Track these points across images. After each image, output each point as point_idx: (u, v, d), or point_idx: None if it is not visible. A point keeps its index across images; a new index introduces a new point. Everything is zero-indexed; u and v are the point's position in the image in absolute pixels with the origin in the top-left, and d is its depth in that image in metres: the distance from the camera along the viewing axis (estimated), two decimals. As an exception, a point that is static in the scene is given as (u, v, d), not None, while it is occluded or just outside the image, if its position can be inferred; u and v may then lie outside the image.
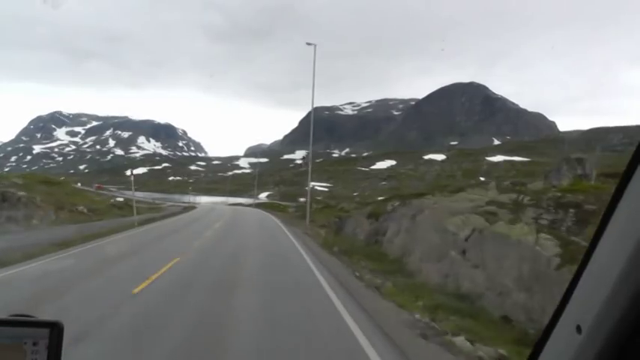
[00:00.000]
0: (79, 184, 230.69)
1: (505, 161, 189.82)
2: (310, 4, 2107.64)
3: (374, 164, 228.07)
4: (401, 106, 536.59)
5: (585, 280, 1.49)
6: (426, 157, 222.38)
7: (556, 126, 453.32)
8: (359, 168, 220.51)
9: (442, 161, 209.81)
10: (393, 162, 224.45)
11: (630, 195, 1.34)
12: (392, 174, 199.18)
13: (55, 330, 1.65)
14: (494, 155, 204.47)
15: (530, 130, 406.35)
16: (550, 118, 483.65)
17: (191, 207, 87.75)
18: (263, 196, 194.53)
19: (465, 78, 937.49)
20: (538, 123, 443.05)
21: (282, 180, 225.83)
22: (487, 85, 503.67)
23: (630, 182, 1.35)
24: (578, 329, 1.45)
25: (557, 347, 1.59)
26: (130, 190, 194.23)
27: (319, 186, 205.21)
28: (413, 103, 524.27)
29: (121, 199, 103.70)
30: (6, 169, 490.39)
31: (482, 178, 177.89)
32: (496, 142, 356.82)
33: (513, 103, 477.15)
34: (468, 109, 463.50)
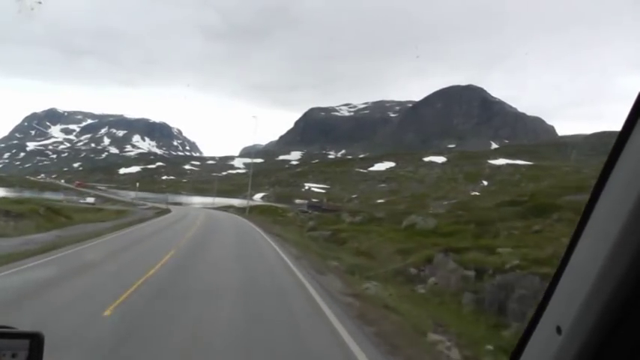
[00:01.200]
0: (62, 181, 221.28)
1: (508, 165, 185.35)
2: (306, 5, 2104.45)
3: (372, 166, 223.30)
4: (398, 108, 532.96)
5: (565, 281, 1.51)
6: (426, 159, 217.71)
7: (554, 130, 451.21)
8: (357, 169, 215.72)
9: (442, 164, 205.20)
10: (392, 164, 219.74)
11: (607, 196, 1.35)
12: (391, 176, 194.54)
13: (35, 341, 1.63)
14: (496, 158, 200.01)
15: (528, 134, 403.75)
16: (548, 122, 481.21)
17: (164, 211, 72.27)
18: (258, 196, 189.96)
19: (462, 81, 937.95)
20: (536, 127, 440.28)
21: (278, 181, 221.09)
22: (485, 88, 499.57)
23: (607, 183, 1.35)
24: (558, 330, 1.46)
25: (538, 348, 1.59)
26: (123, 189, 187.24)
27: (316, 187, 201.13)
28: (410, 105, 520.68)
29: (92, 200, 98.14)
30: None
31: (485, 182, 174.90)
32: (494, 145, 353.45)
33: (511, 107, 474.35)
34: (465, 112, 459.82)
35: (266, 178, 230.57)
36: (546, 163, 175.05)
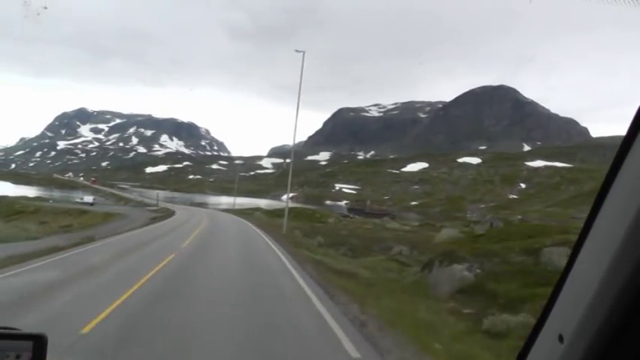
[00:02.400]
0: (81, 179, 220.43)
1: (545, 167, 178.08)
2: (334, 4, 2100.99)
3: (404, 166, 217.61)
4: (427, 108, 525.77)
5: (567, 290, 1.50)
6: (460, 160, 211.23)
7: (588, 132, 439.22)
8: (389, 170, 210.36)
9: (477, 165, 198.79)
10: (424, 164, 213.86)
11: (610, 203, 1.33)
12: (424, 177, 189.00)
13: (38, 343, 1.64)
14: (532, 160, 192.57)
15: (561, 136, 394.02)
16: (582, 123, 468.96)
17: (164, 215, 58.67)
18: (286, 197, 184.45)
19: (493, 81, 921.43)
20: (570, 129, 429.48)
21: (307, 181, 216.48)
22: (517, 88, 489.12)
23: (610, 191, 1.33)
24: (561, 339, 1.45)
25: (540, 356, 1.59)
26: (150, 188, 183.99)
27: (347, 188, 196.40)
28: (440, 105, 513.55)
29: (90, 200, 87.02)
30: (31, 164, 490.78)
31: (522, 185, 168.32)
32: (526, 147, 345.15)
33: (544, 108, 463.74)
34: (496, 113, 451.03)
35: (295, 178, 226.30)
36: (584, 166, 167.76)
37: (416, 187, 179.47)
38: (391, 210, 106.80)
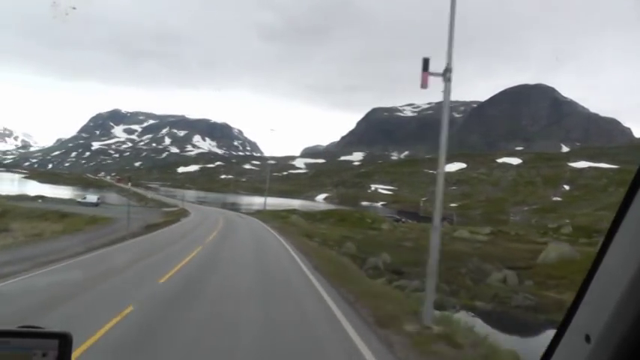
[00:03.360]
0: (108, 177, 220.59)
1: (590, 168, 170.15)
2: (366, 3, 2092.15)
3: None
4: (462, 108, 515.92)
5: (594, 288, 1.47)
6: (499, 160, 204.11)
7: (632, 132, 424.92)
8: (425, 170, 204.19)
9: (517, 166, 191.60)
10: (462, 165, 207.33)
11: None
12: (462, 178, 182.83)
13: (63, 341, 1.67)
14: (576, 161, 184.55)
15: (602, 137, 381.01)
16: (625, 123, 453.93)
17: (166, 221, 47.39)
18: (320, 197, 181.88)
19: (530, 80, 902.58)
20: (612, 129, 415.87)
21: (342, 181, 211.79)
22: (555, 87, 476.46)
23: None
24: (587, 339, 1.42)
25: (566, 356, 1.56)
26: (181, 188, 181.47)
27: (383, 189, 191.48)
28: (475, 105, 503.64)
29: (94, 200, 75.02)
30: (66, 164, 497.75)
31: (566, 187, 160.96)
32: (565, 148, 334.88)
33: (583, 107, 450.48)
34: (534, 113, 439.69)
35: (329, 179, 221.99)
36: (631, 167, 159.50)
37: (454, 188, 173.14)
38: (448, 214, 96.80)
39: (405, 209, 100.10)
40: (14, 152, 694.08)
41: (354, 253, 28.31)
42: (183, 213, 63.49)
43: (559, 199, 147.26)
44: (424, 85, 10.51)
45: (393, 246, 33.65)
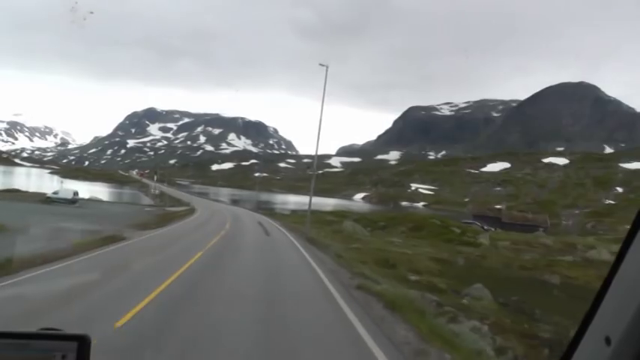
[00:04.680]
0: (135, 172, 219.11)
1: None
2: (404, 0, 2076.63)
3: (484, 166, 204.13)
4: (501, 107, 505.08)
5: (615, 289, 1.44)
6: (545, 160, 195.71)
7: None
8: (467, 170, 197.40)
9: (564, 166, 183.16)
10: (506, 164, 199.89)
11: None
12: (506, 178, 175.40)
13: (83, 343, 1.70)
14: (628, 162, 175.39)
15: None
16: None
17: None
18: (358, 197, 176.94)
19: (572, 78, 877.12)
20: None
21: (381, 180, 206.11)
22: (598, 85, 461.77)
23: None
24: (607, 341, 1.40)
25: (585, 359, 1.53)
26: (214, 186, 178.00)
27: (423, 189, 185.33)
28: (514, 104, 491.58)
29: (69, 195, 57.60)
30: (102, 162, 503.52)
31: (619, 189, 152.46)
32: (608, 149, 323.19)
33: (629, 107, 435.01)
34: (575, 112, 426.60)
35: (367, 177, 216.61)
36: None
37: (498, 188, 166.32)
38: (541, 219, 78.99)
39: (480, 213, 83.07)
40: (54, 149, 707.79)
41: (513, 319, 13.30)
42: (187, 214, 52.39)
43: (612, 201, 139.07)
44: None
45: (539, 287, 22.15)
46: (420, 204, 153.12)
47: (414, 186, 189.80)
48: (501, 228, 65.42)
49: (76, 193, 60.78)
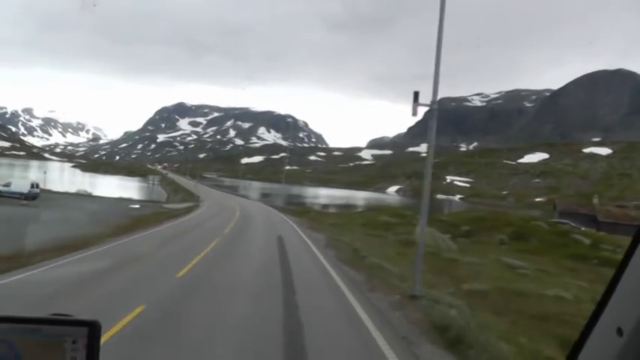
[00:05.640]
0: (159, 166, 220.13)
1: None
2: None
3: (521, 157, 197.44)
4: (534, 97, 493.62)
5: (627, 280, 1.43)
6: (586, 150, 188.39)
7: None
8: (504, 161, 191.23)
9: (607, 156, 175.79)
10: (544, 155, 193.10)
11: None
12: (546, 170, 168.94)
13: (93, 329, 1.72)
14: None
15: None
16: None
17: None
18: (391, 190, 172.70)
19: (608, 65, 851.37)
20: None
21: (415, 172, 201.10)
22: (638, 72, 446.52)
23: None
24: (619, 332, 1.39)
25: (597, 350, 1.52)
26: (241, 179, 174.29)
27: (458, 181, 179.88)
28: (547, 94, 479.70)
29: (24, 189, 46.57)
30: (133, 156, 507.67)
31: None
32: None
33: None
34: (612, 101, 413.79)
35: (399, 170, 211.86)
36: None
37: (537, 180, 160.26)
38: None
39: (569, 210, 66.19)
40: (85, 145, 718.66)
41: None
42: (181, 214, 42.83)
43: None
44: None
45: None
46: (457, 197, 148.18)
47: (449, 178, 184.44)
48: (599, 229, 53.23)
49: (35, 186, 49.23)
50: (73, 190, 70.14)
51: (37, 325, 1.69)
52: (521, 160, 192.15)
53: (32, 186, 48.63)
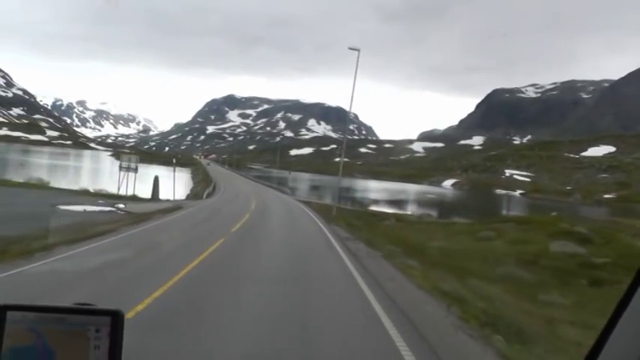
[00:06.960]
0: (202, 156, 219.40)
1: None
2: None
3: (585, 150, 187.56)
4: (591, 88, 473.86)
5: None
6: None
7: None
8: (566, 155, 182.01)
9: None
10: (611, 148, 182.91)
11: None
12: (614, 164, 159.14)
13: (116, 318, 1.76)
14: None
15: None
16: None
17: None
18: (447, 183, 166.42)
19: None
20: None
21: (471, 165, 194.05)
22: None
23: None
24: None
25: (618, 349, 1.45)
26: (284, 170, 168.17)
27: (518, 175, 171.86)
28: (606, 84, 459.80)
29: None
30: (182, 147, 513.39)
31: None
32: None
33: None
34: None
35: (455, 162, 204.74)
36: None
37: (604, 175, 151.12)
38: None
39: None
40: (136, 136, 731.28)
41: None
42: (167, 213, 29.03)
43: None
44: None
45: None
46: (517, 192, 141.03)
47: (507, 172, 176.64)
48: None
49: None
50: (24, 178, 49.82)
51: (62, 315, 1.75)
52: (584, 154, 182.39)
53: None
